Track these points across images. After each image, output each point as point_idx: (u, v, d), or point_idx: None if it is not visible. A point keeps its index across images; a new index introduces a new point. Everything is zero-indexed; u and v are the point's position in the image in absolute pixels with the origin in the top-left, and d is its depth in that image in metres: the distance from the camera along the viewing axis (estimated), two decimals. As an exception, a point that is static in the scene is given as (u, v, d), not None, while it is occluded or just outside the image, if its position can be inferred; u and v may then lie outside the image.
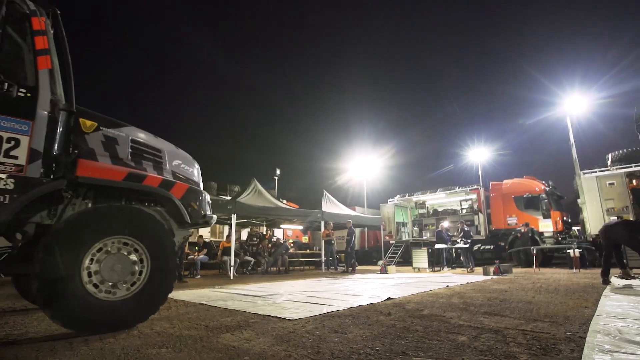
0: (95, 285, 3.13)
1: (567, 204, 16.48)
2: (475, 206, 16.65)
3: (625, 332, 2.89)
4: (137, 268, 3.38)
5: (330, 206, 15.78)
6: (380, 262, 13.55)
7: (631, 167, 12.53)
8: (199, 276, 10.90)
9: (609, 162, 13.91)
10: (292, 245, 16.54)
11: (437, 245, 13.19)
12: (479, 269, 10.73)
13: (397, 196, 19.57)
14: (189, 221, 4.04)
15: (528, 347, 2.49)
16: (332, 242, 13.68)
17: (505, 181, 15.97)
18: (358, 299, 5.15)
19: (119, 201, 3.75)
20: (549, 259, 13.98)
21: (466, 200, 17.50)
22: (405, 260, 16.56)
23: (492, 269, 9.73)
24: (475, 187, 16.93)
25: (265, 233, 15.30)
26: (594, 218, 12.64)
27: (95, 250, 3.19)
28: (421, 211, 19.53)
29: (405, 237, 18.76)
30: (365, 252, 21.14)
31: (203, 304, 4.91)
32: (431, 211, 19.32)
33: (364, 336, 2.86)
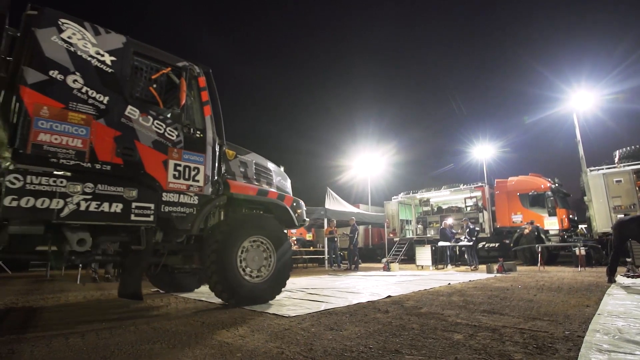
0: (244, 271, 4.31)
1: (573, 201, 16.28)
2: (479, 204, 16.50)
3: (625, 331, 2.84)
4: (266, 259, 4.59)
5: (334, 203, 15.77)
6: (384, 260, 13.52)
7: (639, 164, 12.32)
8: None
9: (616, 159, 13.65)
10: (295, 242, 16.56)
11: (441, 243, 13.12)
12: (483, 267, 10.65)
13: (401, 194, 19.46)
14: (297, 224, 5.39)
15: (524, 345, 2.45)
16: (335, 239, 13.66)
17: (510, 178, 15.79)
18: (357, 296, 5.14)
19: (241, 210, 4.87)
20: (554, 257, 13.82)
21: (471, 197, 17.36)
22: (409, 258, 16.50)
23: (495, 267, 9.64)
24: (479, 184, 16.78)
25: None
26: (601, 216, 12.46)
27: (244, 245, 4.37)
28: (425, 209, 19.43)
29: (409, 235, 18.67)
30: (369, 249, 21.12)
31: (202, 300, 4.93)
32: (435, 209, 19.20)
33: (359, 334, 2.84)
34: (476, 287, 6.24)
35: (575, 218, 15.03)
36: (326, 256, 14.11)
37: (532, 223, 13.19)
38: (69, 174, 3.27)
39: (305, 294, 5.46)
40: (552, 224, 13.77)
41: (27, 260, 5.57)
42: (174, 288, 5.80)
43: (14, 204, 2.96)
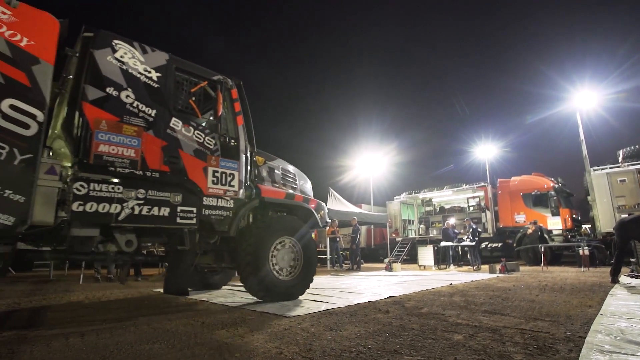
0: (275, 270, 4.64)
1: (577, 201, 16.15)
2: (482, 203, 16.43)
3: (627, 332, 2.81)
4: (295, 258, 4.94)
5: (336, 203, 15.75)
6: (386, 260, 13.49)
7: (643, 163, 12.21)
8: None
9: (620, 159, 13.51)
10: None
11: (443, 243, 13.07)
12: (486, 267, 10.60)
13: (404, 193, 19.40)
14: (321, 225, 5.73)
15: (524, 346, 2.43)
16: (338, 239, 13.64)
17: (513, 178, 15.69)
18: (359, 296, 5.12)
19: (267, 212, 5.15)
20: (558, 257, 13.73)
21: (473, 197, 17.27)
22: (412, 258, 16.44)
23: (498, 267, 9.59)
24: (482, 184, 16.69)
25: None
26: (605, 215, 12.37)
27: (275, 245, 4.71)
28: (428, 208, 19.34)
29: (411, 235, 18.61)
30: (371, 249, 21.07)
31: (204, 300, 4.94)
32: (438, 209, 19.12)
33: (358, 334, 2.83)
34: (478, 287, 6.21)
35: (579, 218, 14.92)
36: (328, 256, 14.10)
37: (535, 223, 13.11)
38: (124, 181, 3.63)
39: (307, 294, 5.43)
40: (555, 223, 13.68)
41: (83, 260, 5.93)
42: (203, 287, 6.15)
43: (80, 208, 3.34)
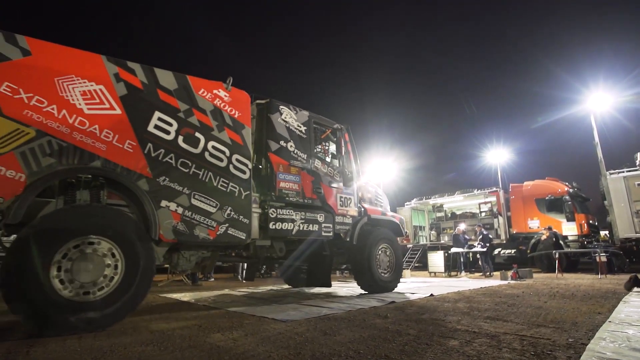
0: (379, 270, 6.15)
1: (595, 206, 15.62)
2: (494, 209, 16.07)
3: (634, 339, 2.69)
4: (390, 260, 6.45)
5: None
6: (395, 266, 13.27)
7: (662, 166, 11.78)
8: (212, 279, 11.04)
9: (637, 162, 13.07)
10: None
11: (454, 249, 12.82)
12: (498, 274, 10.34)
13: (414, 199, 19.16)
14: (403, 235, 7.41)
15: (521, 353, 2.36)
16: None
17: (525, 183, 15.32)
18: (361, 302, 5.06)
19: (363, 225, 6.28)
20: (574, 263, 13.28)
21: (485, 202, 16.91)
22: (423, 265, 16.18)
23: (509, 273, 9.35)
24: (494, 189, 16.34)
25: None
26: (622, 220, 11.95)
27: (378, 250, 6.22)
28: (439, 214, 19.05)
29: (422, 241, 18.33)
30: (382, 256, 20.82)
31: (206, 305, 4.97)
32: (449, 214, 18.79)
33: (351, 339, 2.79)
34: (485, 293, 6.06)
35: (596, 223, 14.42)
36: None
37: (549, 229, 12.74)
38: (294, 206, 5.11)
39: (310, 299, 5.41)
40: (570, 229, 13.24)
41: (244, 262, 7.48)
42: (303, 284, 7.41)
43: (274, 227, 4.82)
